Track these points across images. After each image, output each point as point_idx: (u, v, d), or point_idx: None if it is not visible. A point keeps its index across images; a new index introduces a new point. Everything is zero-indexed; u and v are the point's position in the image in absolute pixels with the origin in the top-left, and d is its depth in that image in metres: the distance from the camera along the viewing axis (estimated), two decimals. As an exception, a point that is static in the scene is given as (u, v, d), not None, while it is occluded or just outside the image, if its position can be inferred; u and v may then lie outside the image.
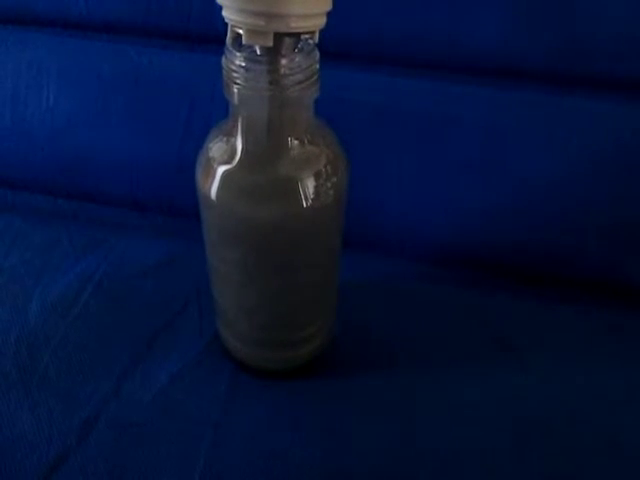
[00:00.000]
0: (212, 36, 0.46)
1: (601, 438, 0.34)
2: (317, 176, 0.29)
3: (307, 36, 0.26)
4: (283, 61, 0.26)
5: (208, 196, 0.30)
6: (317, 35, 0.26)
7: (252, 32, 0.24)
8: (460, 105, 0.43)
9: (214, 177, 0.29)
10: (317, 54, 0.27)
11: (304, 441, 0.34)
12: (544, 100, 0.43)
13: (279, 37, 0.25)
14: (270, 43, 0.25)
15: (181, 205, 0.50)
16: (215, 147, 0.30)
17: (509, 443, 0.34)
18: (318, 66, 0.27)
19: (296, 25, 0.24)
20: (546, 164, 0.43)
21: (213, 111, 0.47)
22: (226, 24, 0.43)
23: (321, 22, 0.26)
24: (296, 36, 0.26)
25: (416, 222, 0.45)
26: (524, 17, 0.41)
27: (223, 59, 0.27)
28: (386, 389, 0.37)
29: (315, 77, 0.27)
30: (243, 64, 0.26)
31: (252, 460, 0.33)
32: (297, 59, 0.26)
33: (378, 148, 0.44)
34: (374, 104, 0.44)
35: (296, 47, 0.26)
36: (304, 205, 0.29)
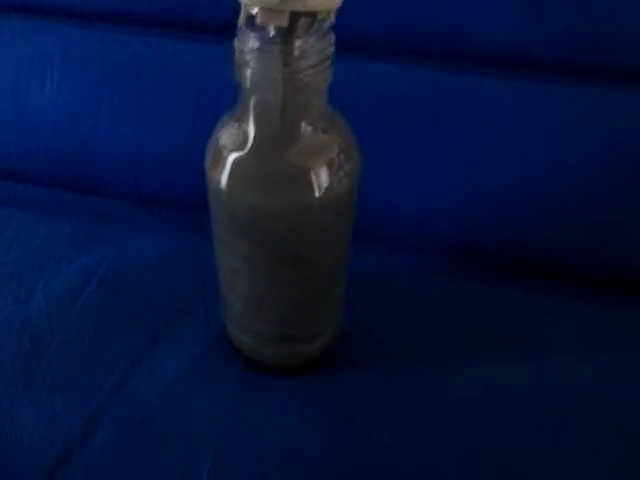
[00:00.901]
0: (218, 25, 0.45)
1: (612, 430, 0.33)
2: (330, 165, 0.28)
3: (322, 16, 0.25)
4: (297, 42, 0.25)
5: (218, 185, 0.29)
6: (333, 16, 0.26)
7: (267, 11, 0.24)
8: (472, 96, 0.42)
9: (224, 166, 0.28)
10: (332, 37, 0.26)
11: (315, 438, 0.33)
12: (558, 91, 0.42)
13: (294, 17, 0.24)
14: (285, 23, 0.24)
15: (186, 198, 0.49)
16: (225, 134, 0.29)
17: (522, 437, 0.33)
18: (333, 49, 0.26)
19: (312, 4, 0.24)
20: (559, 156, 0.42)
21: (220, 102, 0.45)
22: (232, 12, 0.42)
23: (337, 1, 0.25)
24: (312, 16, 0.25)
25: (425, 215, 0.44)
26: (537, 7, 0.40)
27: (235, 41, 0.26)
28: (397, 384, 0.36)
29: (329, 61, 0.27)
30: (256, 45, 0.25)
31: (262, 457, 0.32)
32: (312, 41, 0.25)
33: (387, 139, 0.43)
34: (384, 95, 0.43)
35: (311, 28, 0.25)
36: (316, 194, 0.28)
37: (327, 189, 0.28)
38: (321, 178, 0.28)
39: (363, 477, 0.32)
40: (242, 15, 0.25)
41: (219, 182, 0.28)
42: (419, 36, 0.42)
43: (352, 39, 0.42)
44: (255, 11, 0.24)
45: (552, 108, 0.42)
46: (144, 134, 0.48)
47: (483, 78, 0.42)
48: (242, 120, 0.28)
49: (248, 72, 0.26)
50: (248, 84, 0.26)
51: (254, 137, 0.28)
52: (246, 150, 0.28)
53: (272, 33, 0.25)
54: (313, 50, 0.26)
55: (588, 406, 0.35)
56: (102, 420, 0.33)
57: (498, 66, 0.42)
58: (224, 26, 0.45)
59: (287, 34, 0.25)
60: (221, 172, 0.28)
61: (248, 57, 0.26)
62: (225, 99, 0.45)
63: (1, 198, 0.50)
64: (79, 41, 0.48)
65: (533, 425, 0.34)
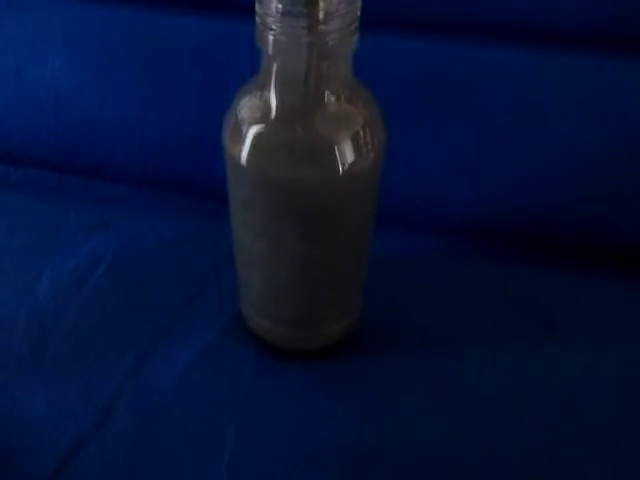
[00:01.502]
0: (226, 1, 0.44)
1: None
2: (355, 138, 0.27)
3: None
4: (322, 4, 0.24)
5: (237, 161, 0.27)
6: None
7: (292, -30, 0.22)
8: (496, 71, 0.41)
9: (244, 139, 0.27)
10: (358, 0, 0.25)
11: (335, 423, 0.32)
12: (577, 63, 0.41)
13: (320, -24, 0.23)
14: (311, -18, 0.22)
15: (194, 181, 0.47)
16: (246, 106, 0.27)
17: (552, 421, 0.32)
18: (359, 13, 0.25)
19: (341, -40, 0.22)
20: (584, 132, 0.40)
21: (229, 80, 0.43)
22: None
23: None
24: (338, -25, 0.23)
25: (447, 195, 0.43)
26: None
27: (257, 4, 0.24)
28: (418, 369, 0.35)
29: (355, 25, 0.25)
30: (280, 7, 0.24)
31: (283, 443, 0.31)
32: (337, 3, 0.24)
33: (408, 117, 0.41)
34: (406, 71, 0.41)
35: (337, -11, 0.24)
36: (340, 169, 0.27)
37: (352, 163, 0.27)
38: (346, 152, 0.27)
39: (386, 462, 0.31)
40: (265, -24, 0.24)
41: (239, 157, 0.27)
42: (442, 8, 0.41)
43: (371, 16, 0.41)
44: (279, -30, 0.23)
45: (580, 82, 0.40)
46: (150, 115, 0.46)
47: (508, 52, 0.41)
48: (264, 89, 0.26)
49: (270, 37, 0.24)
50: (270, 50, 0.25)
51: (276, 108, 0.26)
52: (268, 122, 0.26)
53: (296, -6, 0.24)
54: (338, 13, 0.24)
55: (626, 388, 0.34)
56: (116, 407, 0.32)
57: (525, 38, 0.41)
58: (234, 2, 0.43)
59: (311, -5, 0.23)
60: (241, 146, 0.27)
61: (270, 20, 0.24)
62: (235, 78, 0.44)
63: (3, 183, 0.48)
64: (82, 19, 0.46)
65: (567, 407, 0.33)
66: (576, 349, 0.36)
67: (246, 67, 0.43)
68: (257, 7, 0.25)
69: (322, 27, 0.24)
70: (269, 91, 0.26)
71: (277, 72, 0.26)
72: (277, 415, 0.32)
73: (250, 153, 0.27)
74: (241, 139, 0.27)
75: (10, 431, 0.31)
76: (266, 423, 0.32)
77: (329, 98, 0.26)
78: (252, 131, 0.27)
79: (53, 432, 0.31)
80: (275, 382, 0.34)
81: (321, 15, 0.24)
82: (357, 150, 0.27)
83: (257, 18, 0.25)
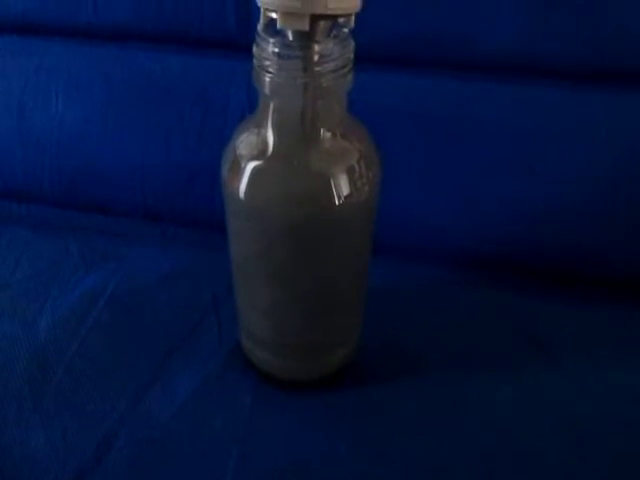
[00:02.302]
0: (225, 40, 0.45)
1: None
2: (350, 172, 0.28)
3: (342, 20, 0.25)
4: (317, 47, 0.25)
5: (236, 195, 0.28)
6: (353, 20, 0.25)
7: (287, 15, 0.23)
8: (483, 104, 0.42)
9: (242, 175, 0.28)
10: (352, 43, 0.26)
11: (335, 455, 0.32)
12: (567, 96, 0.42)
13: (314, 21, 0.24)
14: (306, 27, 0.23)
15: (194, 214, 0.48)
16: (244, 143, 0.28)
17: (552, 446, 0.32)
18: (353, 55, 0.26)
19: (334, 6, 0.23)
20: (572, 162, 0.41)
21: (227, 116, 0.45)
22: (239, 26, 0.42)
23: (357, 4, 0.25)
24: (331, 20, 0.24)
25: (443, 224, 0.43)
26: (544, 13, 0.40)
27: (254, 47, 0.26)
28: (418, 398, 0.35)
29: (349, 66, 0.26)
30: (276, 50, 0.25)
31: (282, 475, 0.31)
32: (331, 46, 0.25)
33: (402, 150, 0.42)
34: (397, 106, 0.43)
35: (330, 33, 0.25)
36: (336, 202, 0.28)
37: (347, 196, 0.28)
38: (341, 185, 0.28)
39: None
40: (261, 20, 0.25)
41: (237, 191, 0.28)
42: (427, 46, 0.42)
43: (359, 51, 0.42)
44: (275, 15, 0.24)
45: (564, 113, 0.42)
46: (151, 150, 0.47)
47: (494, 85, 0.42)
48: (261, 127, 0.27)
49: (267, 78, 0.25)
50: (267, 90, 0.26)
51: (273, 144, 0.27)
52: (265, 158, 0.27)
53: (291, 38, 0.25)
54: (332, 56, 0.25)
55: (616, 412, 0.34)
56: (115, 442, 0.32)
57: (508, 73, 0.42)
58: (232, 42, 0.45)
59: (307, 39, 0.24)
60: (240, 181, 0.28)
61: (267, 63, 0.25)
62: (234, 113, 0.45)
63: (6, 218, 0.49)
64: (85, 59, 0.48)
65: (566, 430, 0.33)
66: (574, 375, 0.36)
67: (244, 104, 0.45)
68: (254, 50, 0.26)
69: (317, 69, 0.25)
70: (266, 128, 0.27)
71: (274, 111, 0.27)
72: (277, 446, 0.32)
73: (248, 188, 0.28)
74: (240, 174, 0.28)
75: (10, 468, 0.31)
76: (266, 454, 0.32)
77: (324, 134, 0.27)
78: (250, 166, 0.27)
79: (53, 467, 0.31)
80: (274, 413, 0.34)
81: (316, 57, 0.25)
82: (352, 183, 0.28)
83: (254, 60, 0.26)
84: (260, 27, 0.25)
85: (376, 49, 0.42)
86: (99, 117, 0.47)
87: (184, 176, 0.47)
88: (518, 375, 0.36)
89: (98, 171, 0.48)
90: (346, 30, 0.26)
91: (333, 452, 0.32)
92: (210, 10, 0.45)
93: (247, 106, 0.45)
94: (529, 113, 0.42)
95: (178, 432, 0.33)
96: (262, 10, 0.24)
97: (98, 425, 0.33)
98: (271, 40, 0.25)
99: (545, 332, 0.39)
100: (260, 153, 0.27)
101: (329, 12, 0.23)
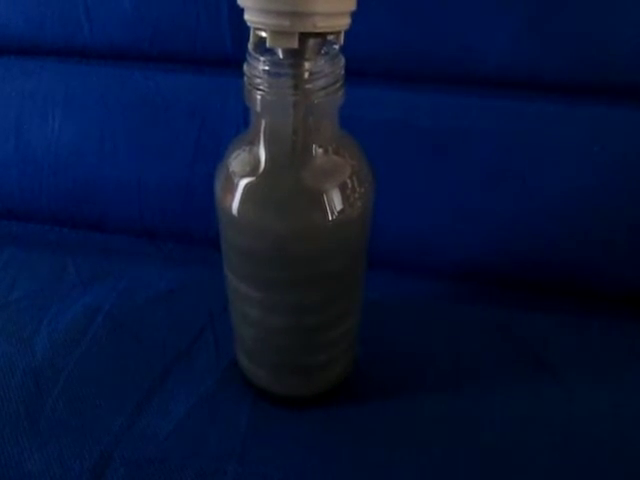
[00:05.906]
0: (219, 58, 0.46)
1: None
2: (343, 187, 0.28)
3: (332, 37, 0.25)
4: (307, 65, 0.25)
5: (229, 212, 0.28)
6: (342, 37, 0.25)
7: (276, 34, 0.23)
8: (476, 119, 0.42)
9: (235, 191, 0.28)
10: (342, 59, 0.26)
11: (332, 470, 0.32)
12: (560, 111, 0.42)
13: (304, 39, 0.24)
14: (295, 45, 0.23)
15: (191, 231, 0.48)
16: (237, 160, 0.28)
17: (552, 463, 0.32)
18: (343, 72, 0.26)
19: (322, 24, 0.23)
20: (565, 176, 0.42)
21: (223, 133, 0.46)
22: (234, 44, 0.43)
23: (346, 22, 0.25)
24: (321, 37, 0.25)
25: (437, 239, 0.43)
26: (539, 29, 0.41)
27: (245, 65, 0.26)
28: (415, 415, 0.35)
29: (340, 83, 0.26)
30: (266, 68, 0.25)
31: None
32: (321, 63, 0.25)
33: (395, 165, 0.43)
34: (389, 120, 0.43)
35: (320, 50, 0.25)
36: (329, 217, 0.28)
37: (340, 212, 0.28)
38: (334, 201, 0.28)
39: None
40: (251, 39, 0.25)
41: (231, 208, 0.28)
42: (420, 61, 0.43)
43: (353, 66, 0.42)
44: (264, 34, 0.24)
45: (557, 127, 0.42)
46: (148, 168, 0.48)
47: (487, 100, 0.43)
48: (253, 144, 0.27)
49: (258, 96, 0.26)
50: (258, 108, 0.26)
51: (265, 161, 0.27)
52: (257, 175, 0.27)
53: (281, 56, 0.25)
54: (323, 73, 0.25)
55: (619, 429, 0.34)
56: (112, 462, 0.32)
57: (501, 88, 0.43)
58: (226, 59, 0.45)
59: (297, 56, 0.25)
60: (232, 198, 0.28)
61: (258, 81, 0.25)
62: (229, 130, 0.46)
63: (3, 237, 0.49)
64: (81, 78, 0.48)
65: (561, 451, 0.33)
66: (574, 391, 0.36)
67: (240, 121, 0.45)
68: (245, 68, 0.26)
69: (308, 86, 0.25)
70: (258, 145, 0.27)
71: (265, 128, 0.27)
72: (274, 463, 0.32)
73: (241, 204, 0.28)
74: (232, 191, 0.28)
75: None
76: (263, 471, 0.32)
77: (316, 151, 0.27)
78: (243, 183, 0.28)
79: (48, 488, 0.31)
80: (271, 430, 0.34)
81: (306, 75, 0.25)
82: (345, 199, 0.28)
83: (245, 78, 0.26)
84: (250, 46, 0.25)
85: (369, 64, 0.43)
86: (96, 136, 0.48)
87: (181, 193, 0.47)
88: (516, 390, 0.36)
89: (95, 189, 0.49)
90: (336, 47, 0.26)
91: (329, 468, 0.32)
92: (205, 29, 0.45)
93: (242, 123, 0.45)
94: (522, 128, 0.42)
95: (174, 450, 0.33)
96: (252, 29, 0.25)
97: (94, 445, 0.33)
98: (261, 58, 0.25)
99: (542, 347, 0.39)
100: (252, 170, 0.27)
101: (318, 30, 0.24)
